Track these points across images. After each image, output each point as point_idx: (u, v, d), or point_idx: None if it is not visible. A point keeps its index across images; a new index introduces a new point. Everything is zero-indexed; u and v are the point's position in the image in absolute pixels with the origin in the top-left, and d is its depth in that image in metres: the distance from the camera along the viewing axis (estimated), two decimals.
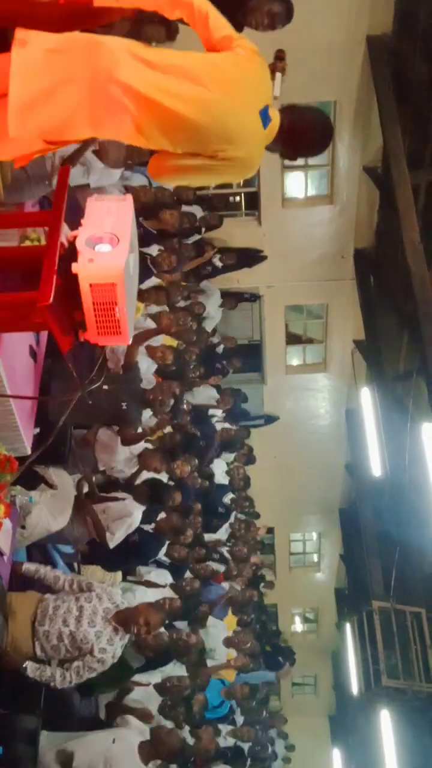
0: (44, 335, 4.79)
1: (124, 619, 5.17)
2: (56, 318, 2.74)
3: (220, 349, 11.56)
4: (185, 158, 3.05)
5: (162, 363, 7.11)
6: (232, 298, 12.08)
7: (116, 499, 6.26)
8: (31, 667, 4.90)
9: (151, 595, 6.74)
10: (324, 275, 13.25)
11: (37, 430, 5.29)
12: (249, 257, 12.29)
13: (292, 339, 14.79)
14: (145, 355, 7.04)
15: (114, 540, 6.13)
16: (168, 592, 7.17)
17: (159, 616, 5.37)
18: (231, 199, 12.95)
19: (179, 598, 6.95)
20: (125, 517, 6.23)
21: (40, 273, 2.75)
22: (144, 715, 6.18)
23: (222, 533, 10.47)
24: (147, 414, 6.88)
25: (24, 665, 4.91)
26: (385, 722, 13.06)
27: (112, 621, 5.10)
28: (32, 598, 5.14)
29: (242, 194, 12.90)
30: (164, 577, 7.20)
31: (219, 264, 11.28)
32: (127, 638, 5.22)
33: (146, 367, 7.03)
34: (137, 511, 6.32)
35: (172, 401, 6.95)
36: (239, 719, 9.91)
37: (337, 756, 20.47)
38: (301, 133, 3.20)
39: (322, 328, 14.52)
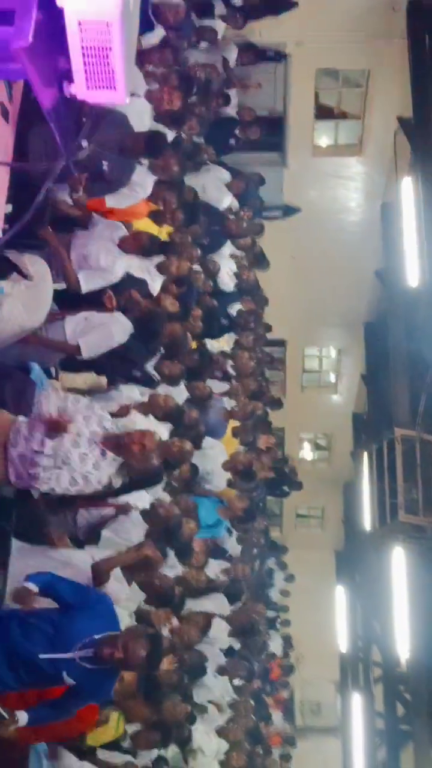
0: (18, 89, 4.63)
1: (114, 443, 5.37)
2: (36, 64, 2.64)
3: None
4: None
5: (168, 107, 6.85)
6: (250, 53, 11.52)
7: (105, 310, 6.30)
8: None
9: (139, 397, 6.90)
10: (368, 31, 12.62)
11: (9, 207, 5.25)
12: (274, 3, 11.61)
13: (323, 112, 14.30)
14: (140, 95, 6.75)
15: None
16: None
17: (154, 438, 5.56)
18: None
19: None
20: (105, 326, 6.29)
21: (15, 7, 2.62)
22: None
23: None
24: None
25: None
26: (398, 560, 13.86)
27: (100, 444, 5.28)
28: (3, 420, 5.30)
29: None
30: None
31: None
32: (116, 465, 5.43)
33: (139, 107, 6.76)
34: (122, 332, 6.37)
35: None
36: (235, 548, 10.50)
37: (341, 593, 21.95)
38: None
39: (360, 100, 14.00)
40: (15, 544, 5.88)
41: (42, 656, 4.75)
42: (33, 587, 4.98)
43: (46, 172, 3.03)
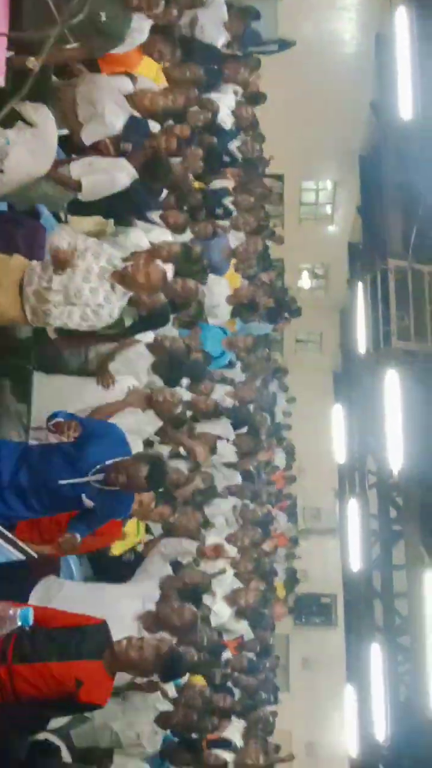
0: None
1: (122, 278, 5.31)
2: None
3: None
4: None
5: None
6: None
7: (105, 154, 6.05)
8: None
9: (148, 238, 6.76)
10: None
11: (12, 53, 4.97)
12: None
13: None
14: None
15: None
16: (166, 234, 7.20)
17: (160, 273, 5.49)
18: None
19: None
20: (108, 171, 6.09)
21: None
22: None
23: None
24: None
25: None
26: (391, 382, 14.04)
27: (110, 279, 5.23)
28: (17, 263, 5.23)
29: None
30: (166, 235, 7.19)
31: None
32: (126, 299, 5.39)
33: None
34: (125, 177, 6.13)
35: None
36: (239, 377, 10.59)
37: (338, 411, 22.38)
38: None
39: None
40: (36, 376, 5.96)
41: (61, 482, 4.91)
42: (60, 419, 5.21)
43: (43, 39, 2.80)
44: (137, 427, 6.41)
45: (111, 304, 5.27)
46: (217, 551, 7.46)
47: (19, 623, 3.60)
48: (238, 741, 8.55)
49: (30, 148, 5.36)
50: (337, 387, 23.39)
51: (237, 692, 9.28)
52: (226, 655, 9.01)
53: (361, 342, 14.92)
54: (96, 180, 6.03)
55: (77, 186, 6.00)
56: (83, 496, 4.96)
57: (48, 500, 4.94)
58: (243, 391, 9.92)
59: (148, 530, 7.33)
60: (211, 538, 8.34)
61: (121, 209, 6.66)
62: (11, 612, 3.56)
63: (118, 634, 4.59)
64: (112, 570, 6.72)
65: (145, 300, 5.60)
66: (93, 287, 5.18)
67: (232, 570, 9.14)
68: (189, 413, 7.66)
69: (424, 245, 13.14)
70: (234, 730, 8.70)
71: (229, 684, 9.01)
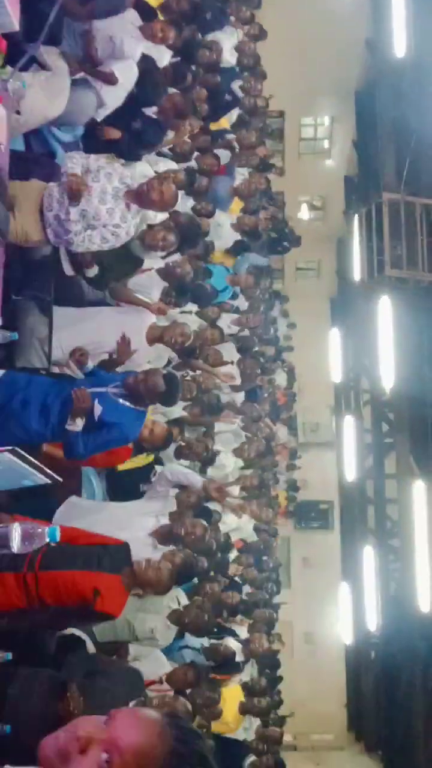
0: None
1: (136, 196, 5.24)
2: None
3: None
4: None
5: None
6: None
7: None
8: None
9: (154, 170, 6.66)
10: None
11: None
12: None
13: None
14: None
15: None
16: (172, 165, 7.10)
17: (173, 191, 5.42)
18: None
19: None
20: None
21: None
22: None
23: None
24: None
25: None
26: (384, 308, 14.00)
27: (124, 198, 5.18)
28: (36, 187, 5.17)
29: None
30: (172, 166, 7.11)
31: None
32: (140, 216, 5.33)
33: None
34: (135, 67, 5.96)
35: None
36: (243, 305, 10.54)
37: (335, 335, 22.36)
38: None
39: None
40: (57, 311, 5.92)
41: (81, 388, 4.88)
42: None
43: None
44: (156, 354, 6.43)
45: (127, 223, 5.21)
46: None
47: (47, 540, 3.67)
48: (244, 634, 8.80)
49: (46, 91, 5.26)
50: (334, 312, 23.32)
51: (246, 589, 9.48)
52: (233, 554, 9.21)
53: (357, 270, 14.82)
54: (121, 67, 5.74)
55: (113, 78, 5.68)
56: (96, 401, 4.86)
57: (60, 408, 4.80)
58: (249, 318, 9.86)
59: (157, 461, 7.15)
60: (218, 446, 8.38)
61: (131, 147, 6.57)
62: (39, 530, 3.64)
63: (135, 548, 4.67)
64: (126, 484, 6.79)
65: (157, 243, 5.54)
66: (109, 208, 5.11)
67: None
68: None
69: (417, 178, 12.93)
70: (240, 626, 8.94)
71: (237, 579, 9.20)
